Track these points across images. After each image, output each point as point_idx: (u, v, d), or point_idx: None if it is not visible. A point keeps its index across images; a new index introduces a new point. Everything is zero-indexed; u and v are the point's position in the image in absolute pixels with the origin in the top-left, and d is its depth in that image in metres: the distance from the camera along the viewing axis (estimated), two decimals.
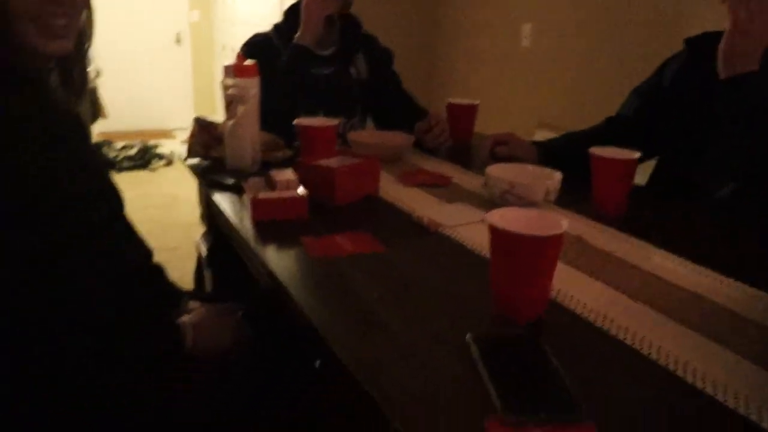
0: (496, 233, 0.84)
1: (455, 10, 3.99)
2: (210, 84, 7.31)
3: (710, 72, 1.51)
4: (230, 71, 1.50)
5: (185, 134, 6.71)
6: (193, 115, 6.93)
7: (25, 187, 0.98)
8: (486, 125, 2.27)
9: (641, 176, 1.75)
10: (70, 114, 1.15)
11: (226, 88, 1.51)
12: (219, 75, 6.66)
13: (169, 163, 5.75)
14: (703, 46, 1.58)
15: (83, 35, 1.18)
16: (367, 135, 1.89)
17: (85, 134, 1.24)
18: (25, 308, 0.98)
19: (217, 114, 7.18)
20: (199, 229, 1.96)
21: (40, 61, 1.10)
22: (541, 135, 2.56)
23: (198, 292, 1.70)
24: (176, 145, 6.30)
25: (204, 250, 1.84)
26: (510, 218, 0.87)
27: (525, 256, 0.83)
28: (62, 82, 1.18)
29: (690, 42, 1.64)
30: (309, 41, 2.00)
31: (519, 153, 1.74)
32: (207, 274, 1.83)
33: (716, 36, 1.51)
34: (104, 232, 1.16)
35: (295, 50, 2.00)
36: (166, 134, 6.90)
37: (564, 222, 0.86)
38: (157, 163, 5.67)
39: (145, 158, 5.62)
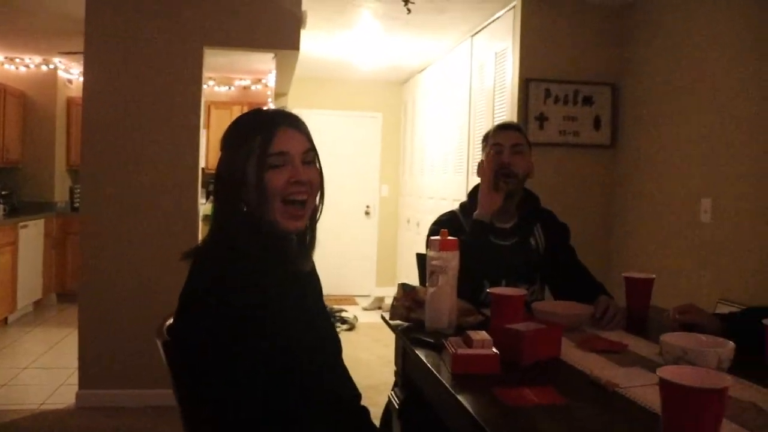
0: (664, 384, 1.04)
1: (631, 184, 4.22)
2: (393, 254, 7.86)
3: None
4: (435, 245, 1.82)
5: (367, 301, 7.26)
6: (375, 284, 7.48)
7: (263, 322, 1.34)
8: (664, 299, 2.41)
9: None
10: (304, 269, 1.54)
11: (430, 259, 1.83)
12: (402, 246, 7.18)
13: (351, 328, 6.19)
14: None
15: (316, 211, 1.56)
16: (550, 305, 2.13)
17: (318, 287, 1.60)
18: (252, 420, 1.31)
19: (396, 282, 7.65)
20: (379, 392, 2.22)
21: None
22: (722, 310, 2.64)
23: None
24: (358, 311, 6.79)
25: (396, 403, 2.09)
26: (679, 374, 1.07)
27: (689, 407, 1.02)
28: (298, 245, 1.56)
29: None
30: (486, 218, 2.33)
31: (702, 322, 1.86)
32: (397, 424, 2.07)
33: None
34: (325, 371, 1.49)
35: (475, 225, 2.33)
36: (350, 300, 7.45)
37: (727, 378, 1.04)
38: (340, 328, 6.13)
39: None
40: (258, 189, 1.42)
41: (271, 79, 6.95)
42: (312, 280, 1.63)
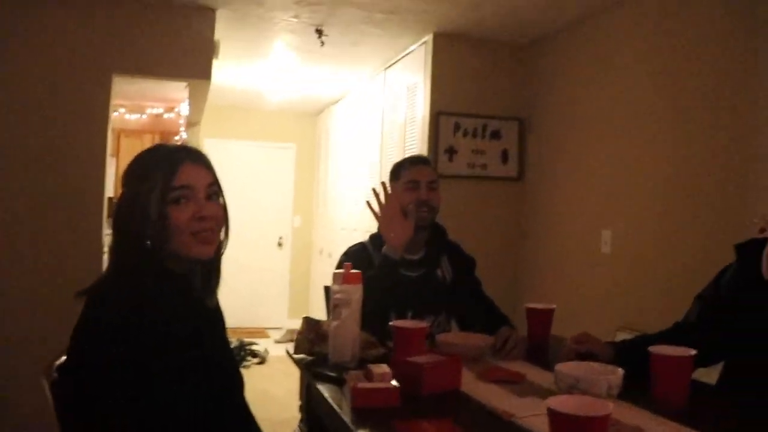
0: (550, 413, 1.08)
1: (537, 216, 4.37)
2: (306, 285, 7.79)
3: (759, 276, 1.73)
4: (338, 278, 1.83)
5: (279, 334, 7.07)
6: (287, 316, 7.29)
7: (166, 360, 1.32)
8: (567, 328, 2.48)
9: (712, 377, 1.92)
10: (209, 307, 1.53)
11: (334, 292, 1.83)
12: (315, 277, 7.11)
13: (262, 361, 6.08)
14: (750, 251, 1.81)
15: (221, 245, 1.55)
16: (452, 337, 2.16)
17: (221, 324, 1.58)
18: None
19: (309, 313, 7.61)
20: (290, 427, 2.20)
21: (189, 264, 1.48)
22: (622, 337, 2.74)
23: None
24: (270, 344, 6.68)
25: None
26: (566, 403, 1.11)
27: None
28: (203, 282, 1.54)
29: (738, 247, 1.88)
30: (397, 253, 2.29)
31: (596, 350, 1.94)
32: None
33: (763, 242, 1.74)
34: (226, 410, 1.46)
35: (385, 262, 2.28)
36: (261, 333, 7.32)
37: (608, 406, 1.09)
38: (251, 361, 6.01)
39: (240, 355, 5.98)
40: (161, 224, 1.40)
41: (183, 108, 6.87)
42: (216, 316, 1.61)
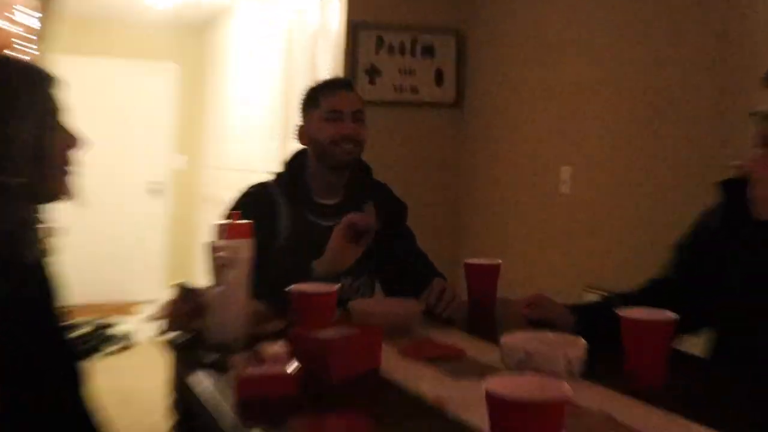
0: (489, 398, 1.02)
1: (480, 150, 4.36)
2: (189, 245, 7.58)
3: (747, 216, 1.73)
4: (222, 231, 1.74)
5: (152, 310, 6.83)
6: (164, 285, 7.07)
7: None
8: (521, 287, 2.47)
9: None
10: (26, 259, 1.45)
11: (216, 250, 1.74)
12: (202, 234, 6.93)
13: (127, 347, 5.85)
14: (735, 189, 1.81)
15: None
16: (371, 304, 2.12)
17: (45, 293, 1.49)
18: None
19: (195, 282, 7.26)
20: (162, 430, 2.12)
21: None
22: (591, 299, 2.75)
23: None
24: (138, 324, 6.40)
25: None
26: (510, 384, 1.05)
27: (519, 426, 1.00)
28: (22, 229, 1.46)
29: (724, 185, 1.87)
30: (329, 276, 2.15)
31: (552, 316, 1.92)
32: None
33: (743, 181, 1.75)
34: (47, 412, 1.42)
35: (310, 269, 2.16)
36: (126, 309, 6.95)
37: (565, 387, 1.04)
38: (111, 348, 5.75)
39: (98, 340, 5.72)
40: (39, 156, 1.40)
41: (28, 17, 6.52)
42: (35, 280, 1.49)
